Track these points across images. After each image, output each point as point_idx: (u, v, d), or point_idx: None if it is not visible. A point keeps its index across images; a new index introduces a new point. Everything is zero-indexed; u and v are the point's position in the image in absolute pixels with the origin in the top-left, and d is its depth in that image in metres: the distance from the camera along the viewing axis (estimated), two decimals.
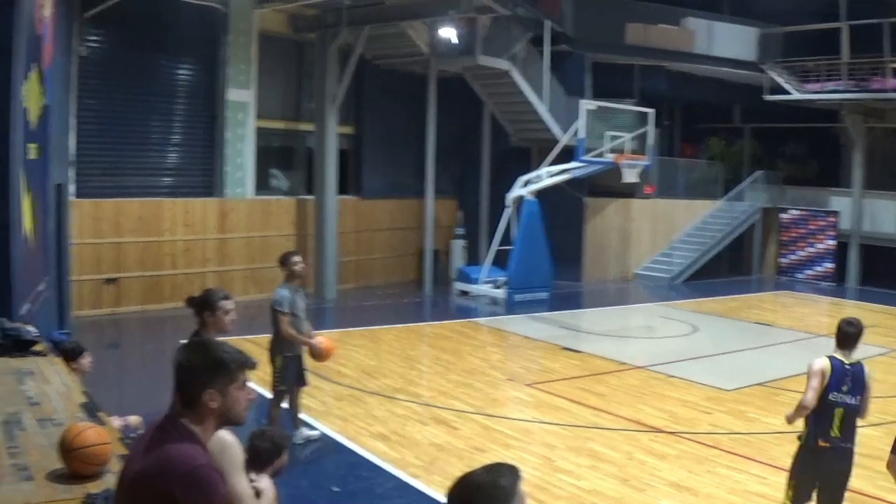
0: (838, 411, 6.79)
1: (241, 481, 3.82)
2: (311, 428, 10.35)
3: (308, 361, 10.03)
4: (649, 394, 12.78)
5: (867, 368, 6.97)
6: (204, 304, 6.30)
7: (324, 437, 10.35)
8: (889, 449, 6.15)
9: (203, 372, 3.28)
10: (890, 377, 14.26)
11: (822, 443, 6.82)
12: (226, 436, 3.71)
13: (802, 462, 7.00)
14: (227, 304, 6.38)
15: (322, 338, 9.97)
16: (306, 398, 11.99)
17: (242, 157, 20.05)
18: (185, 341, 4.39)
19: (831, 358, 6.88)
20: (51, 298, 11.79)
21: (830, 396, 6.77)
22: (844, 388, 6.79)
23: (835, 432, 6.80)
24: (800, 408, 6.92)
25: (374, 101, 23.50)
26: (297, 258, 9.79)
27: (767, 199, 28.67)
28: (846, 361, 6.87)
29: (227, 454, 3.57)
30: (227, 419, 3.36)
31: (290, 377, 9.80)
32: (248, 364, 3.42)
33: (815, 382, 6.81)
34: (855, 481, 9.03)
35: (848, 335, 6.90)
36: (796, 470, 7.03)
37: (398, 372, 13.87)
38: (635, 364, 14.81)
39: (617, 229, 26.01)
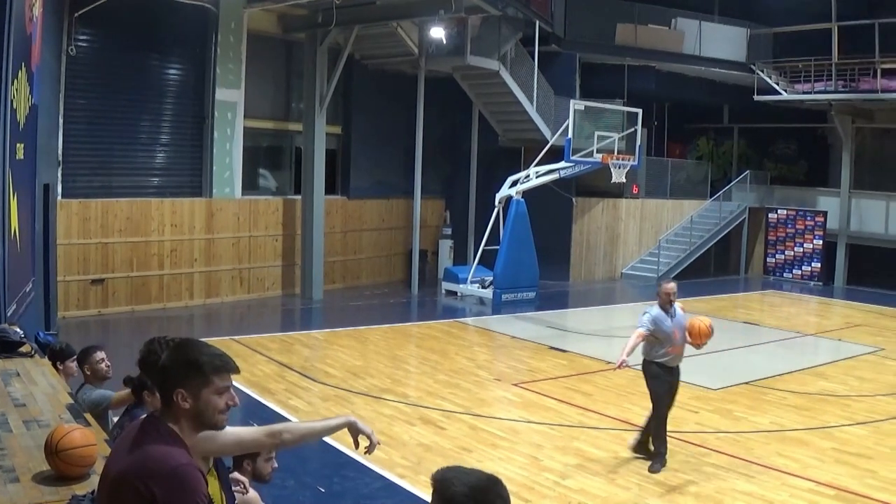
0: None
1: None
2: None
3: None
4: (636, 393, 12.77)
5: None
6: (143, 386, 6.10)
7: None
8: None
9: (174, 371, 3.27)
10: (878, 376, 14.37)
11: None
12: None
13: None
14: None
15: None
16: (293, 398, 12.04)
17: (230, 157, 19.98)
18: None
19: None
20: (37, 299, 11.77)
21: None
22: None
23: None
24: None
25: (362, 100, 23.48)
26: (100, 354, 7.41)
27: (755, 199, 28.80)
28: None
29: None
30: (203, 422, 3.30)
31: None
32: (227, 368, 3.36)
33: None
34: (843, 479, 9.14)
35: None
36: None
37: (385, 372, 13.87)
38: None
39: (604, 229, 26.10)
